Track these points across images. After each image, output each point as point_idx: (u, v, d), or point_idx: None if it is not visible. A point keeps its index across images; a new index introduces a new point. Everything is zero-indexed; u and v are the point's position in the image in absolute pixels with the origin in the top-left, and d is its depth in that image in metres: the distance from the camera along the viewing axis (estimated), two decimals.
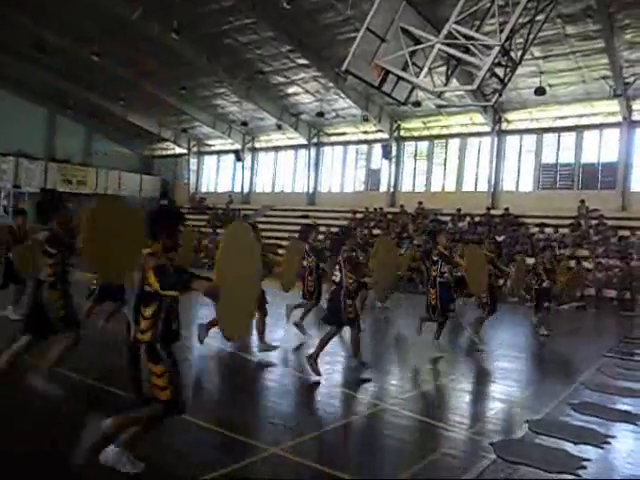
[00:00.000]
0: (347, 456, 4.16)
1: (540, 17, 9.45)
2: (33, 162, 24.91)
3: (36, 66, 22.00)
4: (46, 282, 4.52)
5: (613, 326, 12.88)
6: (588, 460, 4.04)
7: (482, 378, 6.85)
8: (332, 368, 6.82)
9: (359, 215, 21.78)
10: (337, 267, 6.13)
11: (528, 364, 8.08)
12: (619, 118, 17.82)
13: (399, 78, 9.73)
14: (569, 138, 19.43)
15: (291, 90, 21.30)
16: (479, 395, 6.07)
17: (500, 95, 10.15)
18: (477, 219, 19.42)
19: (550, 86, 16.99)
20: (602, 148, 18.76)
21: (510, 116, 20.01)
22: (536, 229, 17.75)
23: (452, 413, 5.31)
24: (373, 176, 23.89)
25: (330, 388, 5.86)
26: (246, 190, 27.23)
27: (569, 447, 4.27)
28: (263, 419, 4.75)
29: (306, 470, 3.66)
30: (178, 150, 30.04)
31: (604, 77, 16.28)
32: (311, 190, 24.84)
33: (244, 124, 24.41)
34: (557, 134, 19.64)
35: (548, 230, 17.55)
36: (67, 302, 4.62)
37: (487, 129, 20.42)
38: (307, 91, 21.02)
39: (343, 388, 5.81)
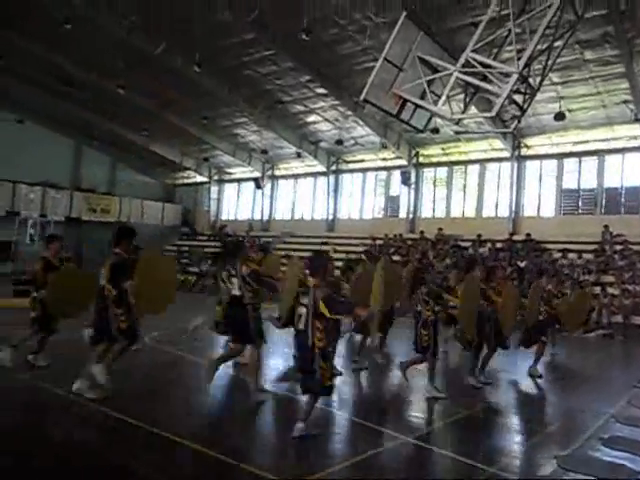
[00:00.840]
0: None
1: (558, 43, 9.46)
2: (59, 191, 25.48)
3: (63, 99, 22.73)
4: (250, 305, 5.86)
5: None
6: None
7: (507, 410, 6.66)
8: (351, 400, 6.72)
9: (379, 242, 21.72)
10: (417, 300, 6.71)
11: (554, 396, 7.83)
12: None
13: (417, 106, 9.80)
14: (591, 163, 19.22)
15: (310, 119, 21.58)
16: (504, 428, 5.88)
17: (519, 122, 10.12)
18: (498, 245, 19.20)
19: (570, 111, 16.90)
20: (625, 172, 18.50)
21: (530, 141, 19.91)
22: (559, 254, 17.46)
23: (476, 447, 5.15)
24: (392, 202, 23.89)
25: (349, 420, 5.76)
26: (266, 217, 27.42)
27: None
28: (279, 452, 4.67)
29: None
30: (199, 178, 30.50)
31: (625, 101, 16.15)
32: (330, 217, 24.91)
33: (264, 152, 24.73)
34: (578, 159, 19.44)
35: (571, 255, 17.24)
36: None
37: (506, 155, 20.33)
38: (326, 119, 21.28)
39: (363, 420, 5.69)
